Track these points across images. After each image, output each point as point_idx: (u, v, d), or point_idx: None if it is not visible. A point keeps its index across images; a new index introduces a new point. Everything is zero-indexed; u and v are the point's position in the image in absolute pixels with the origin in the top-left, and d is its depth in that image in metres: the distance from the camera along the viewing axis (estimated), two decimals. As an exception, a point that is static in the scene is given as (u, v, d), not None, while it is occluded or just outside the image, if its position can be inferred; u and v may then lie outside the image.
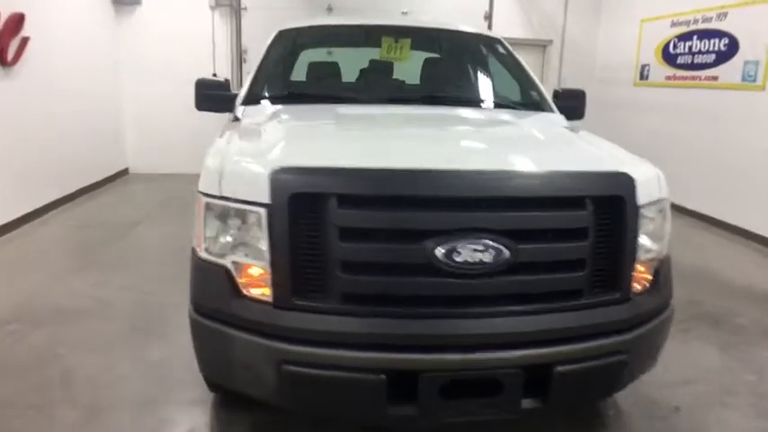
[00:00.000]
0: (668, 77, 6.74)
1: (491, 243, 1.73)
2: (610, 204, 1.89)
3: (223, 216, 1.87)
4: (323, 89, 3.31)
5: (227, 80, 3.24)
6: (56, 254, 4.61)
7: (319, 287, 1.76)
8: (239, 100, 3.03)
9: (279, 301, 1.77)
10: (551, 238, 1.81)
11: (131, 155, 7.96)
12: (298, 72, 3.60)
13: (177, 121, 7.81)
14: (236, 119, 2.67)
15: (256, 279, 1.83)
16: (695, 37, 6.22)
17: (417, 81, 4.08)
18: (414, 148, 2.09)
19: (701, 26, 6.12)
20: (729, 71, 5.69)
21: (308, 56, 3.79)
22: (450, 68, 3.66)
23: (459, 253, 1.71)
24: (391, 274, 1.74)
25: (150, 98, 7.77)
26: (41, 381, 2.71)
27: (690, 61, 6.33)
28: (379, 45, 3.53)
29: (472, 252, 1.72)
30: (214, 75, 7.67)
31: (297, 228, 1.74)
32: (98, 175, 7.01)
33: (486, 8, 8.35)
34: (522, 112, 2.95)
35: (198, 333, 1.98)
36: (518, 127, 2.62)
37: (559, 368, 1.80)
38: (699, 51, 6.17)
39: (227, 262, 1.87)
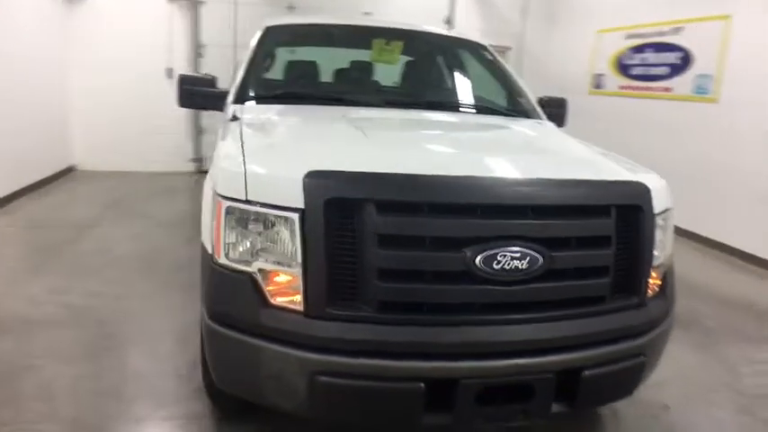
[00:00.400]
0: (622, 87, 7.05)
1: (527, 251, 1.74)
2: (629, 213, 1.95)
3: (248, 221, 1.79)
4: (321, 90, 3.24)
5: (213, 76, 3.10)
6: (8, 257, 4.28)
7: (354, 295, 1.71)
8: (231, 98, 2.92)
9: (311, 310, 1.71)
10: (581, 245, 1.84)
11: (79, 151, 7.50)
12: (285, 71, 3.51)
13: (128, 117, 7.46)
14: (235, 118, 2.56)
15: (285, 287, 1.76)
16: (650, 49, 6.53)
17: (392, 83, 4.05)
18: (444, 155, 2.08)
19: (655, 39, 6.43)
20: (683, 83, 6.00)
21: (297, 54, 3.70)
22: (442, 73, 3.67)
23: (498, 260, 1.71)
24: (429, 282, 1.71)
25: (100, 92, 7.33)
26: (17, 394, 2.50)
27: (644, 73, 6.64)
28: (366, 46, 3.50)
29: (510, 260, 1.73)
30: (170, 70, 7.38)
31: (331, 234, 1.69)
32: (44, 173, 6.57)
33: (447, 12, 8.47)
34: (520, 119, 3.00)
35: (216, 344, 1.88)
36: (529, 135, 2.66)
37: (587, 372, 1.84)
38: (653, 63, 6.48)
39: (251, 269, 1.79)
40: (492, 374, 1.74)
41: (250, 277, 1.78)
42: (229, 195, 1.81)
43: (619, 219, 1.91)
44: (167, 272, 4.14)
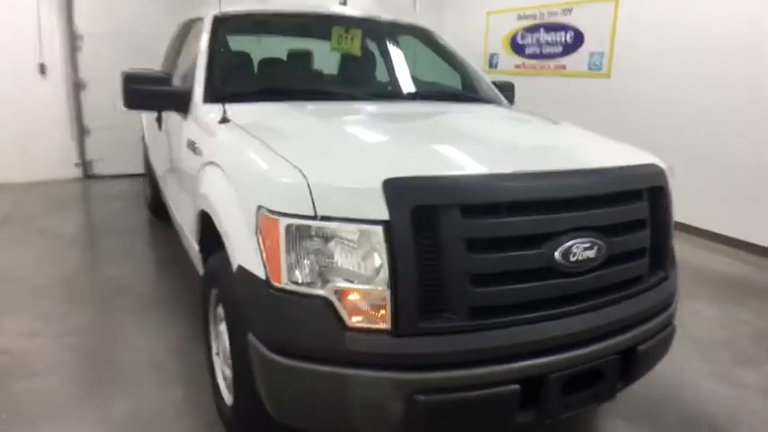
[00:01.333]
0: (517, 66, 7.44)
1: (595, 240, 1.79)
2: (654, 194, 2.07)
3: (317, 238, 1.63)
4: (300, 84, 3.03)
5: (167, 74, 2.76)
6: None
7: (444, 306, 1.65)
8: (199, 97, 2.64)
9: (402, 328, 1.61)
10: (627, 229, 1.93)
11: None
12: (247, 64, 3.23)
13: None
14: (224, 120, 2.31)
15: (366, 307, 1.64)
16: (542, 29, 6.96)
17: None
18: (491, 150, 2.05)
19: (547, 20, 6.86)
20: (577, 61, 6.48)
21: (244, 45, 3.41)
22: (412, 63, 3.60)
23: (573, 252, 1.74)
24: (517, 281, 1.70)
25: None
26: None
27: (538, 51, 7.06)
28: (322, 36, 3.35)
29: (582, 250, 1.76)
30: (41, 64, 6.46)
31: (419, 244, 1.60)
32: None
33: (340, -6, 8.32)
34: (498, 106, 3.05)
35: (280, 377, 1.70)
36: (529, 122, 2.73)
37: (641, 347, 1.94)
38: (546, 43, 6.91)
39: (325, 291, 1.64)
40: (575, 364, 1.77)
41: (324, 300, 1.63)
42: (290, 212, 1.64)
43: (649, 200, 2.03)
44: (102, 298, 3.68)
